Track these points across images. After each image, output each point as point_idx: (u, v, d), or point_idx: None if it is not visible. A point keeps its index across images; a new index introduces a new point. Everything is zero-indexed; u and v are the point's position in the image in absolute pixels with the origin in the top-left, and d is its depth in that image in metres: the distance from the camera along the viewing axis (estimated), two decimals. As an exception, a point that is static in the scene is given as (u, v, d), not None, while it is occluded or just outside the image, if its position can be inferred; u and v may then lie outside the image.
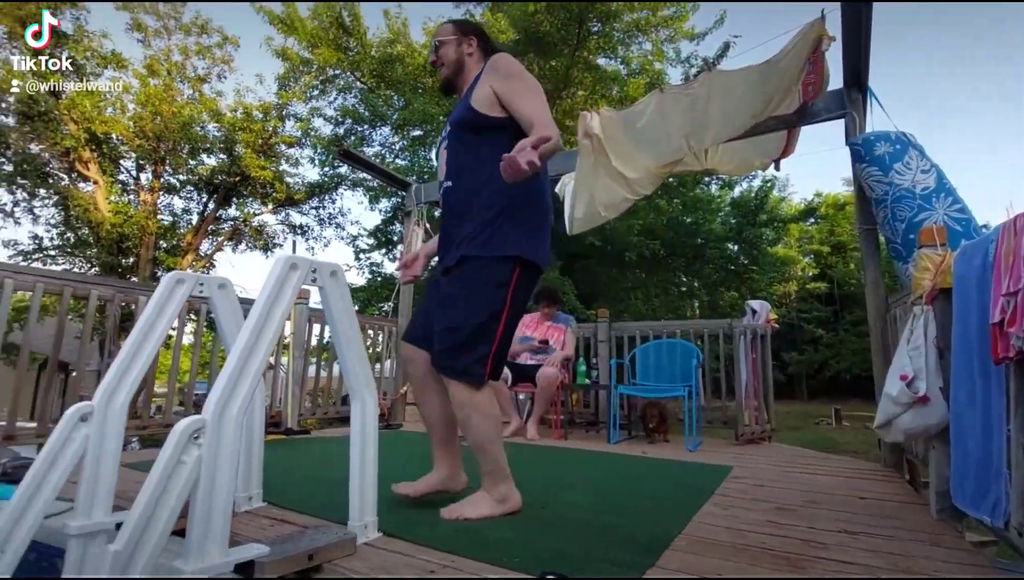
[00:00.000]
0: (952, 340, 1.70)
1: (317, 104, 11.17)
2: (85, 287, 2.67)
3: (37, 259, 10.74)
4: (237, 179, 11.52)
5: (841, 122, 3.06)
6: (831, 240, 26.34)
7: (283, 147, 12.16)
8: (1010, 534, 1.41)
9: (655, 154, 3.35)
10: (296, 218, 13.46)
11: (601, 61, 9.83)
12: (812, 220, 23.24)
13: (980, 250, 1.56)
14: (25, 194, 10.50)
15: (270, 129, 11.58)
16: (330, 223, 13.36)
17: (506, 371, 3.78)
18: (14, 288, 2.44)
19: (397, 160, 9.85)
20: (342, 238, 13.32)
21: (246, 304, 1.53)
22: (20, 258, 10.46)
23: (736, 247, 12.31)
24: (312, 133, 11.08)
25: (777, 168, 4.08)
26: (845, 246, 25.23)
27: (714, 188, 12.69)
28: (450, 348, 1.58)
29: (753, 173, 9.79)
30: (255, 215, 12.88)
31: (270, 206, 12.75)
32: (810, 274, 26.10)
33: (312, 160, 11.45)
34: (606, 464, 2.74)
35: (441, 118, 8.92)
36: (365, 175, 9.71)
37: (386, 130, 10.29)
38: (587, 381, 3.91)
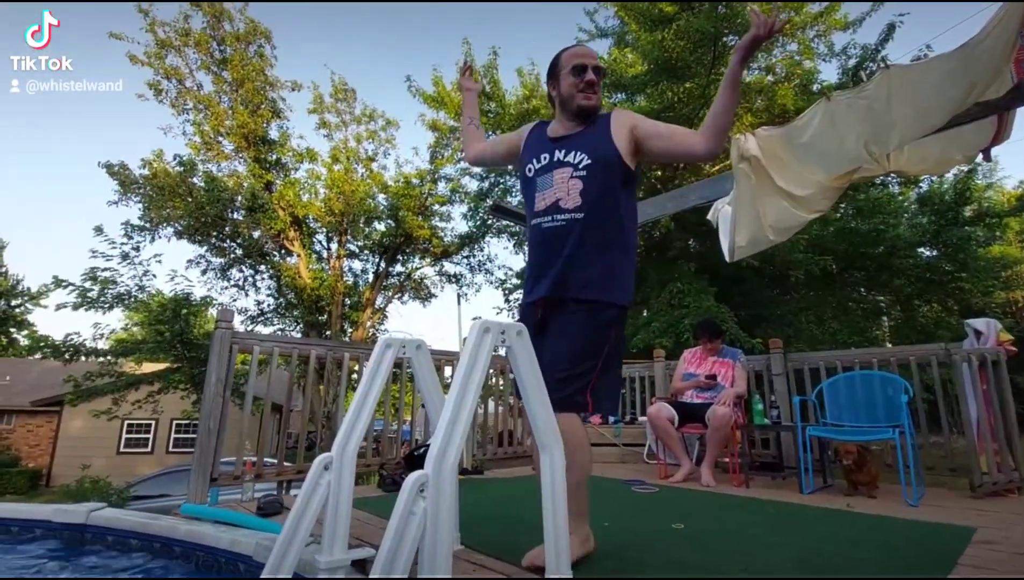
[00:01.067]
0: None
1: (465, 164, 12.46)
2: (307, 349, 3.24)
3: (261, 321, 13.38)
4: (401, 240, 13.20)
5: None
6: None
7: (437, 206, 13.68)
8: None
9: (827, 167, 3.03)
10: (450, 268, 14.89)
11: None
12: (1042, 207, 18.55)
13: None
14: (251, 271, 13.25)
15: (426, 192, 13.13)
16: (480, 270, 14.53)
17: (672, 411, 3.62)
18: (260, 352, 3.05)
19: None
20: (491, 282, 14.40)
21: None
22: (249, 322, 13.13)
23: (934, 252, 10.32)
24: (460, 190, 12.33)
25: (987, 159, 3.42)
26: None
27: (894, 187, 10.91)
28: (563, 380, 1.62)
29: (956, 167, 8.20)
30: (417, 269, 14.58)
31: (428, 260, 14.33)
32: (1048, 273, 20.64)
33: (463, 215, 12.75)
34: (805, 519, 2.43)
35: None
36: (507, 221, 10.31)
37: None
38: (766, 421, 3.56)
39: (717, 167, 8.62)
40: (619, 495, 3.00)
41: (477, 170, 12.17)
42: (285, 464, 3.05)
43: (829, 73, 9.21)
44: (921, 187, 11.74)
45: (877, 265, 10.22)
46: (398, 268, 14.68)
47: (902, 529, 2.21)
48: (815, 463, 3.40)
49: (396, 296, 14.90)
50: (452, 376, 3.59)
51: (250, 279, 13.42)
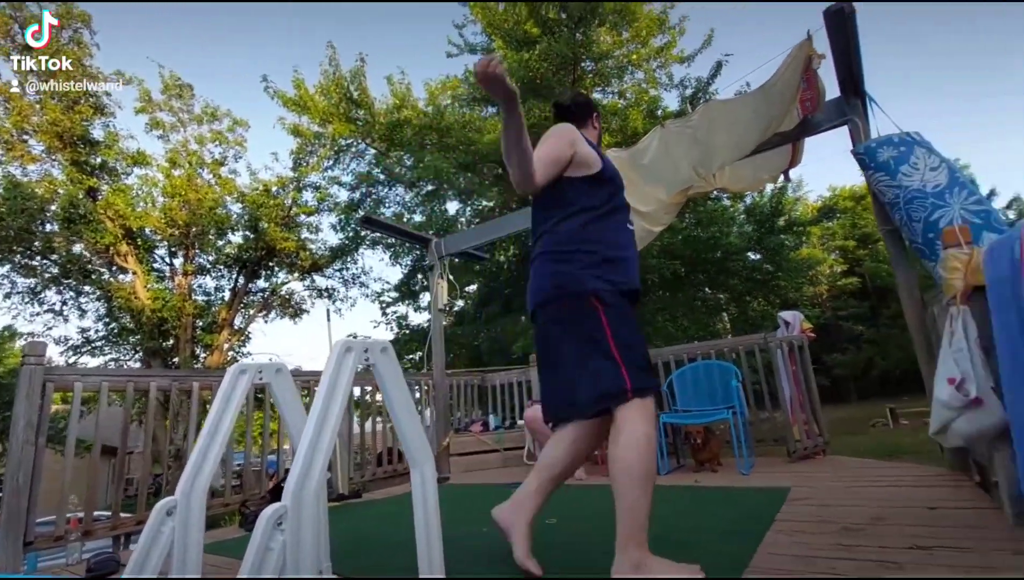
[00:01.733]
0: (995, 338, 1.69)
1: (333, 173, 11.80)
2: (145, 380, 2.84)
3: (86, 352, 11.32)
4: (263, 253, 12.07)
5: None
6: (855, 233, 25.79)
7: (304, 217, 12.75)
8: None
9: (665, 186, 3.44)
10: (322, 282, 13.96)
11: (598, 95, 10.13)
12: (833, 216, 22.89)
13: (1007, 248, 1.57)
14: (72, 293, 11.18)
15: (289, 202, 12.19)
16: (354, 283, 13.80)
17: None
18: (84, 388, 2.61)
19: (414, 216, 10.20)
20: (367, 296, 13.73)
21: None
22: (71, 353, 11.03)
23: (758, 256, 12.19)
24: (330, 200, 11.66)
25: (787, 179, 4.14)
26: (870, 237, 24.66)
27: (726, 201, 12.69)
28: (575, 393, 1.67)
29: (766, 186, 9.80)
30: (283, 284, 13.42)
31: (296, 274, 13.29)
32: (839, 271, 25.47)
33: (333, 226, 12.05)
34: (662, 497, 2.70)
35: (452, 170, 9.23)
36: (382, 234, 10.03)
37: (400, 189, 10.71)
38: (628, 413, 3.89)
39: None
40: (498, 500, 3.06)
41: (346, 179, 11.68)
42: (122, 515, 2.64)
43: (671, 101, 10.56)
44: (747, 201, 13.80)
45: (716, 268, 11.75)
46: (261, 283, 13.38)
47: (736, 496, 2.56)
48: (669, 447, 3.80)
49: (260, 314, 13.58)
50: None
51: (71, 302, 11.35)
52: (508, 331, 9.50)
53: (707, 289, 13.20)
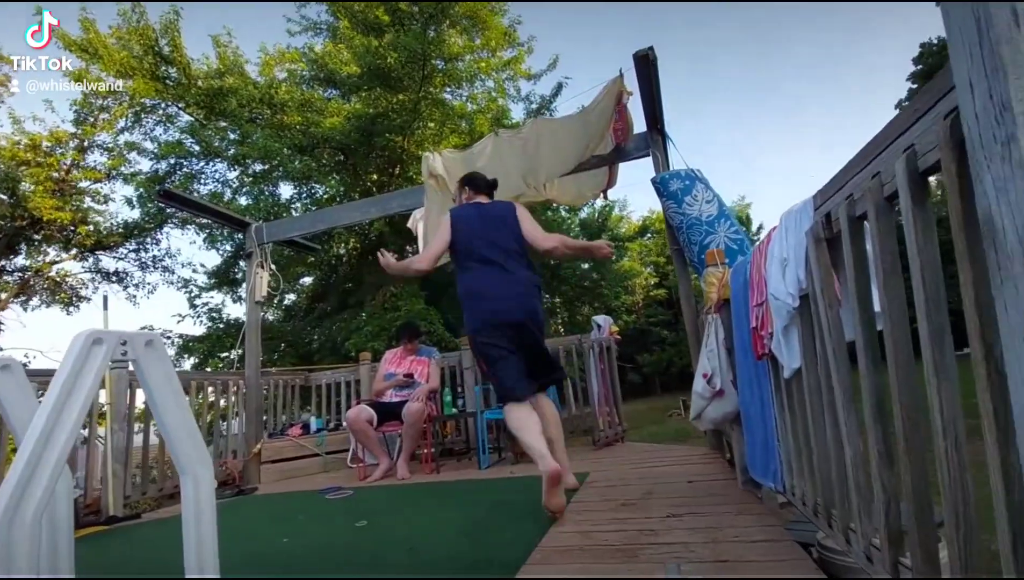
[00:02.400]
0: (734, 341, 2.11)
1: (132, 137, 9.80)
2: None
3: None
4: (24, 223, 9.56)
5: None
6: (665, 251, 30.07)
7: (88, 183, 10.41)
8: (787, 495, 1.78)
9: (498, 191, 3.59)
10: (110, 263, 11.55)
11: (448, 96, 10.21)
12: (648, 235, 26.35)
13: (742, 269, 1.96)
14: None
15: (67, 164, 9.86)
16: (155, 267, 11.69)
17: (371, 411, 3.68)
18: None
19: (239, 198, 9.09)
20: (171, 283, 11.71)
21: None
22: None
23: (586, 266, 13.46)
24: (127, 166, 9.67)
25: (605, 197, 4.65)
26: (676, 256, 28.87)
27: (563, 212, 13.79)
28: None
29: (589, 201, 10.89)
30: (53, 264, 10.77)
31: (73, 252, 10.77)
32: (652, 283, 29.41)
33: (129, 200, 9.93)
34: (474, 491, 2.81)
35: (287, 151, 8.46)
36: (186, 211, 8.71)
37: (222, 165, 9.43)
38: (454, 410, 3.97)
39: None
40: (310, 507, 2.88)
41: (149, 146, 9.89)
42: None
43: (517, 113, 11.16)
44: (582, 214, 15.18)
45: (551, 274, 12.67)
46: (18, 261, 10.54)
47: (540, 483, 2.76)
48: (492, 441, 3.97)
49: (15, 299, 10.71)
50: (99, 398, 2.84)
51: None
52: (343, 328, 9.02)
53: (543, 293, 14.20)
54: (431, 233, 3.63)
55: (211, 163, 9.41)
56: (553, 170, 3.38)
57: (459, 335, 8.79)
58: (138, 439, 3.80)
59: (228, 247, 10.08)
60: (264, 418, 4.71)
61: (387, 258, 2.44)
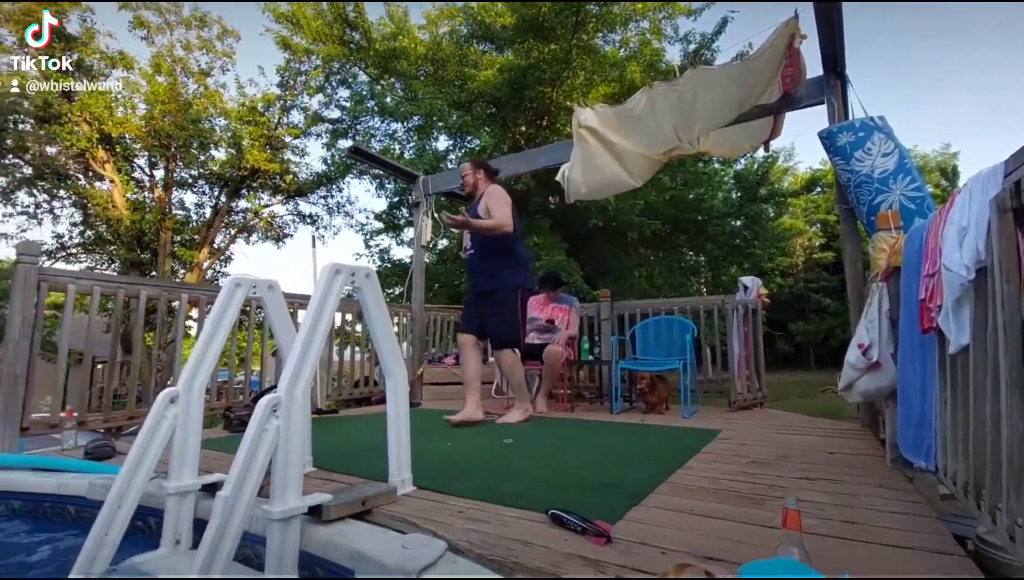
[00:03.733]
0: (900, 313, 1.96)
1: (322, 97, 11.40)
2: (135, 288, 2.99)
3: (61, 258, 11.18)
4: (246, 172, 11.80)
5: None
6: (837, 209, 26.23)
7: (290, 139, 12.40)
8: (939, 475, 1.70)
9: (649, 143, 3.57)
10: (305, 208, 13.78)
11: (599, 41, 9.91)
12: (818, 189, 23.15)
13: (917, 236, 1.81)
14: (46, 196, 10.90)
15: (276, 122, 11.82)
16: (339, 211, 13.64)
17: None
18: (76, 291, 2.76)
19: (404, 151, 10.08)
20: (351, 226, 13.67)
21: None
22: (45, 258, 10.87)
23: (738, 222, 12.45)
24: (319, 125, 11.34)
25: (766, 149, 4.31)
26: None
27: (716, 164, 12.77)
28: (500, 337, 3.37)
29: (747, 153, 9.91)
30: (265, 206, 13.22)
31: (280, 197, 13.08)
32: (817, 244, 26.05)
33: (322, 157, 11.70)
34: (605, 431, 3.04)
35: (445, 107, 9.08)
36: (365, 163, 9.90)
37: (392, 123, 10.50)
38: (590, 357, 4.21)
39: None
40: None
41: (337, 105, 11.34)
42: (114, 411, 2.87)
43: (674, 53, 10.39)
44: (739, 165, 13.89)
45: (697, 230, 12.00)
46: (242, 204, 13.17)
47: (672, 433, 2.90)
48: (625, 390, 4.15)
49: (241, 235, 13.45)
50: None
51: (45, 205, 11.09)
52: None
53: (686, 251, 13.52)
54: (581, 173, 3.78)
55: (384, 120, 10.51)
56: (709, 123, 3.25)
57: (596, 287, 8.95)
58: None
59: (393, 192, 11.30)
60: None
61: (456, 218, 3.17)
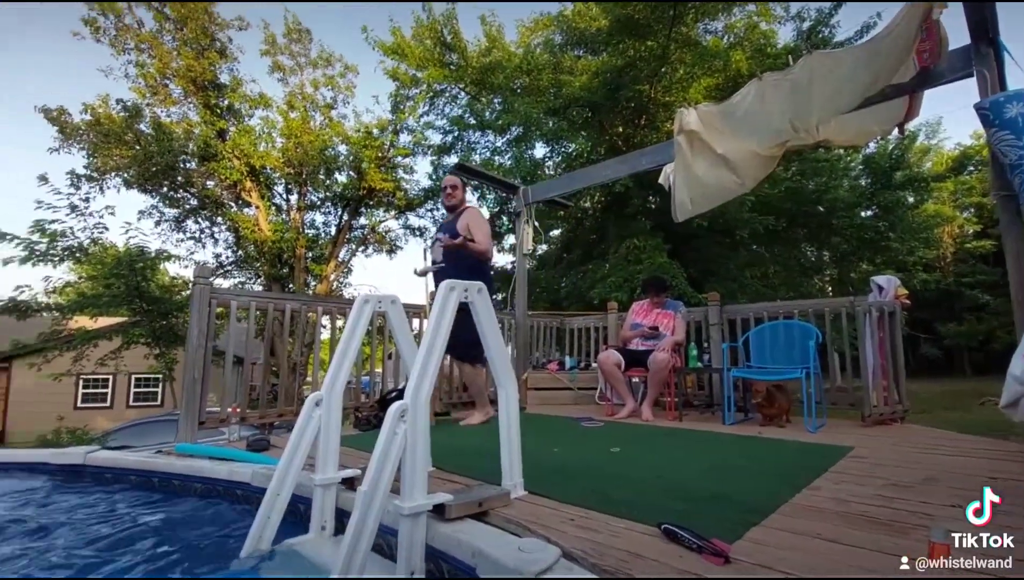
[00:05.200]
0: (1083, 318, 1.67)
1: (429, 118, 12.24)
2: (282, 302, 3.44)
3: (219, 275, 13.11)
4: (364, 192, 13.00)
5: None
6: (998, 190, 22.26)
7: (399, 158, 13.45)
8: None
9: (758, 139, 3.36)
10: (414, 221, 14.82)
11: (700, 30, 9.46)
12: (970, 169, 19.90)
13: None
14: (207, 222, 12.89)
15: (388, 144, 12.88)
16: (444, 223, 14.46)
17: (619, 356, 4.04)
18: (238, 306, 3.24)
19: (503, 160, 10.42)
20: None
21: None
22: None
23: (869, 213, 11.12)
24: (423, 143, 12.22)
25: (901, 132, 3.85)
26: (1018, 196, 21.12)
27: (841, 149, 11.53)
28: (470, 344, 2.85)
29: (876, 138, 8.80)
30: (380, 222, 14.46)
31: (392, 213, 14.22)
32: (970, 232, 22.35)
33: (428, 174, 12.52)
34: (719, 443, 2.91)
35: (540, 115, 9.24)
36: (469, 178, 10.39)
37: (491, 134, 10.93)
38: (699, 364, 4.04)
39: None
40: (569, 430, 3.43)
41: (440, 123, 12.06)
42: (268, 409, 3.32)
43: (786, 34, 9.60)
44: (869, 149, 12.42)
45: (818, 224, 10.93)
46: (361, 221, 14.51)
47: (795, 448, 2.70)
48: (738, 400, 3.92)
49: (360, 249, 14.82)
50: (419, 326, 3.88)
51: (207, 231, 13.08)
52: (587, 277, 9.67)
53: (807, 246, 12.37)
54: (682, 188, 3.66)
55: (484, 133, 10.99)
56: (829, 110, 2.99)
57: (703, 290, 8.51)
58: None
59: (492, 202, 11.72)
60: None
61: (455, 242, 3.38)
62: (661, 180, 4.39)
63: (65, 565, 1.72)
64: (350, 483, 1.91)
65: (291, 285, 12.64)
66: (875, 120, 3.59)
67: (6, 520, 2.12)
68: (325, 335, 5.10)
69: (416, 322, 4.22)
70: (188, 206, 12.52)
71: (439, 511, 1.54)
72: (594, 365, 5.21)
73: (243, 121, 12.36)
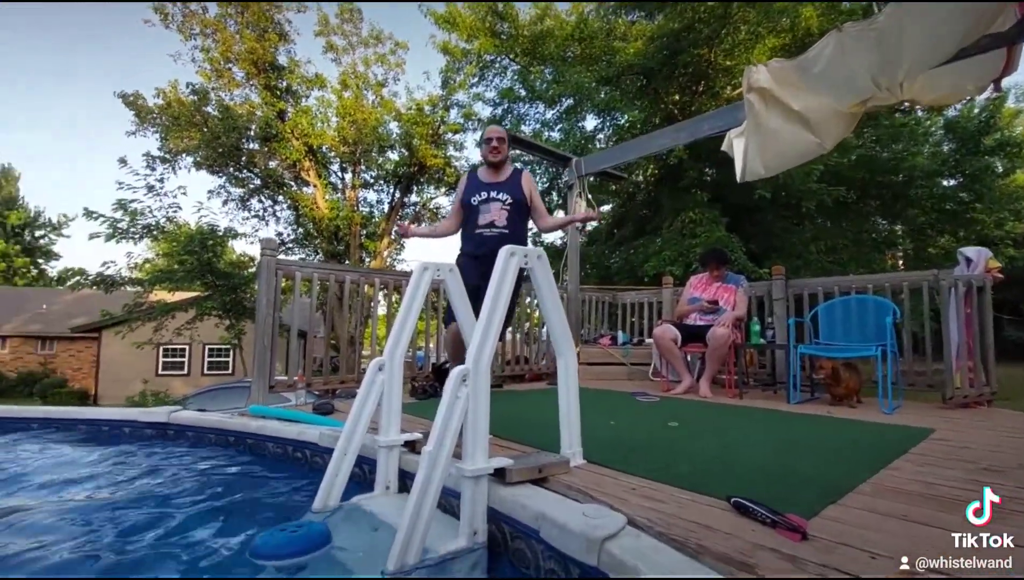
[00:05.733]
0: None
1: (478, 90, 12.16)
2: (343, 274, 3.55)
3: (282, 251, 13.81)
4: (415, 169, 13.19)
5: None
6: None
7: (450, 135, 13.49)
8: None
9: (838, 97, 3.10)
10: (466, 198, 14.91)
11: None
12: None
13: None
14: (270, 201, 13.49)
15: (438, 120, 12.94)
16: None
17: (675, 331, 3.93)
18: (301, 277, 3.37)
19: (552, 133, 10.22)
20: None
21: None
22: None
23: (952, 182, 10.16)
24: (474, 117, 12.18)
25: (997, 90, 3.45)
26: None
27: (920, 112, 10.55)
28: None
29: (967, 97, 7.96)
30: (432, 199, 14.66)
31: (443, 189, 14.37)
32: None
33: (476, 143, 12.54)
34: (785, 422, 2.78)
35: (593, 84, 8.96)
36: (522, 152, 10.27)
37: (540, 106, 10.73)
38: (762, 341, 3.86)
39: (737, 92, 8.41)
40: (624, 404, 3.38)
41: (490, 95, 11.95)
42: (331, 376, 3.47)
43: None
44: (949, 113, 11.31)
45: (893, 194, 10.13)
46: (413, 198, 14.77)
47: (870, 429, 2.54)
48: (804, 378, 3.73)
49: (412, 224, 15.16)
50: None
51: (270, 209, 13.72)
52: (640, 252, 9.42)
53: (879, 219, 11.51)
54: (756, 147, 3.45)
55: (533, 105, 10.80)
56: (918, 64, 2.70)
57: (763, 265, 8.11)
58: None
59: (543, 177, 11.59)
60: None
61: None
62: (724, 147, 4.15)
63: (164, 500, 1.89)
64: (412, 446, 1.95)
65: (347, 261, 13.09)
66: (969, 76, 3.21)
67: (113, 463, 2.34)
68: (381, 311, 5.30)
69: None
70: (252, 185, 13.12)
71: (500, 475, 1.55)
72: (648, 341, 5.09)
73: (301, 102, 12.74)
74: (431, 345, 4.42)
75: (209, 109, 11.80)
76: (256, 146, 12.28)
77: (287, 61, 12.55)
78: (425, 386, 3.46)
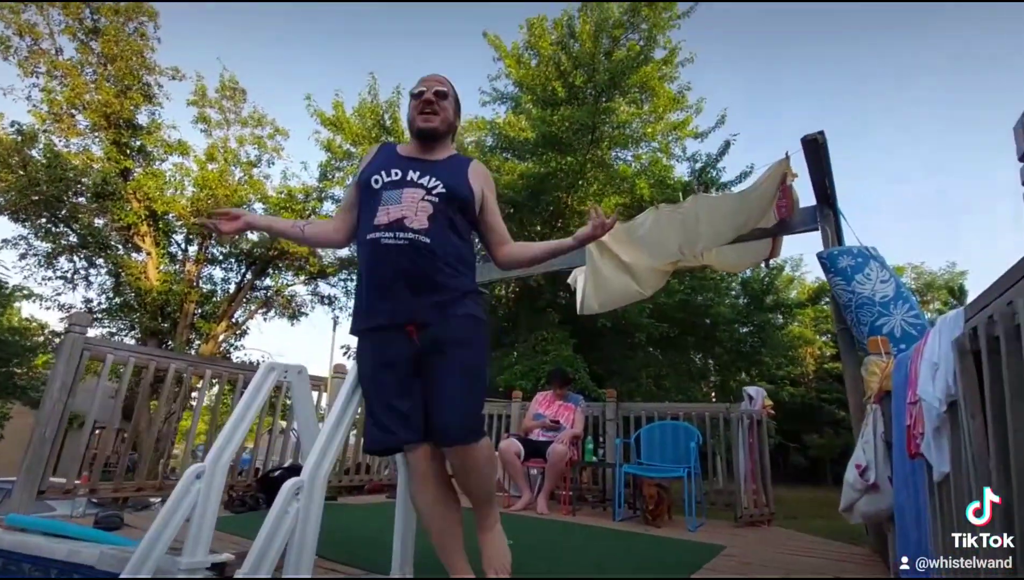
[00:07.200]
0: (893, 436, 2.04)
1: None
2: (166, 361, 3.16)
3: (89, 323, 11.61)
4: (275, 253, 12.49)
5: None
6: (848, 321, 26.22)
7: (320, 225, 13.25)
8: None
9: (655, 256, 3.86)
10: (325, 289, 14.32)
11: (614, 155, 10.78)
12: (826, 300, 23.39)
13: (904, 363, 1.94)
14: (84, 262, 11.56)
15: (310, 209, 12.70)
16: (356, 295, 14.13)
17: (519, 446, 4.09)
18: (113, 361, 2.94)
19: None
20: (367, 310, 14.06)
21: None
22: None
23: (746, 329, 12.59)
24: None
25: (767, 266, 4.59)
26: (862, 328, 25.04)
27: (723, 273, 13.20)
28: (474, 413, 1.67)
29: (748, 269, 10.39)
30: (288, 286, 13.80)
31: (302, 277, 13.68)
32: (828, 354, 25.78)
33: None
34: (607, 539, 2.99)
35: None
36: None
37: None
38: (594, 458, 4.19)
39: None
40: (465, 521, 3.33)
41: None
42: (124, 481, 2.92)
43: (681, 170, 11.29)
44: (744, 274, 14.32)
45: (704, 334, 12.11)
46: (267, 282, 13.77)
47: (674, 545, 2.85)
48: (628, 495, 4.07)
49: (260, 311, 13.91)
50: (316, 399, 3.69)
51: (82, 272, 11.71)
52: (496, 364, 9.79)
53: (695, 354, 13.53)
54: (589, 289, 4.02)
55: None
56: (711, 242, 3.55)
57: (603, 386, 8.94)
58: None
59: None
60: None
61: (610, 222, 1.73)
62: (570, 281, 4.78)
63: None
64: (220, 569, 1.72)
65: (170, 342, 11.42)
66: (748, 255, 4.27)
67: None
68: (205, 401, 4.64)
69: (314, 395, 4.03)
70: (66, 242, 11.23)
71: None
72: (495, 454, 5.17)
73: (154, 164, 11.69)
74: (261, 446, 3.98)
75: (33, 152, 10.25)
76: (84, 201, 10.77)
77: (148, 122, 11.68)
78: (244, 497, 3.08)
